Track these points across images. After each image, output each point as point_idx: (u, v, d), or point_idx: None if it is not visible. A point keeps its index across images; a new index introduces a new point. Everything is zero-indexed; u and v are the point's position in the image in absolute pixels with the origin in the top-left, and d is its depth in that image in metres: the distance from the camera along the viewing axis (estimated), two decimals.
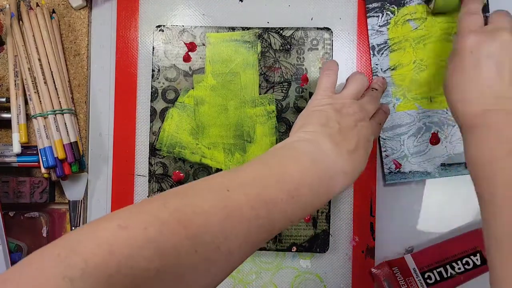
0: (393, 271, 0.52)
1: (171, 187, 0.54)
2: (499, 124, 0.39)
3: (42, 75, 0.52)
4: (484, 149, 0.39)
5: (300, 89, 0.54)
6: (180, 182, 0.54)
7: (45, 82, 0.52)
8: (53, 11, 0.56)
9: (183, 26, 0.54)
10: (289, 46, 0.54)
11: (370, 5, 0.54)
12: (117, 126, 0.56)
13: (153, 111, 0.54)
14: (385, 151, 0.54)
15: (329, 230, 0.53)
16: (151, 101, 0.54)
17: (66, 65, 0.56)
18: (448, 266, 0.51)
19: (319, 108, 0.44)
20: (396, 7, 0.54)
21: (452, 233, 0.54)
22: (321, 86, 0.46)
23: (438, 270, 0.51)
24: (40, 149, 0.51)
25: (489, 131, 0.40)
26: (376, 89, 0.49)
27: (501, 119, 0.40)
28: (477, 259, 0.50)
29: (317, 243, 0.53)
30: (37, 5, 0.55)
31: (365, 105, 0.46)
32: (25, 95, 0.53)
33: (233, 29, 0.54)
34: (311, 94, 0.54)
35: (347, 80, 0.48)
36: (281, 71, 0.54)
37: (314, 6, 0.56)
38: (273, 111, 0.54)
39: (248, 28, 0.54)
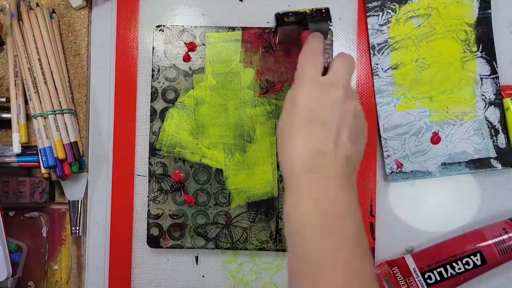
0: (393, 271, 0.52)
1: (171, 187, 0.54)
2: (312, 188, 0.38)
3: (42, 75, 0.52)
4: (295, 209, 0.38)
5: None
6: (180, 182, 0.54)
7: (45, 82, 0.52)
8: (53, 11, 0.56)
9: (183, 26, 0.54)
10: (289, 46, 0.54)
11: (370, 4, 0.54)
12: (117, 126, 0.56)
13: (153, 111, 0.54)
14: (386, 151, 0.54)
15: None
16: (151, 101, 0.54)
17: (66, 65, 0.56)
18: (448, 266, 0.51)
19: (315, 116, 0.39)
20: (397, 5, 0.54)
21: (452, 233, 0.54)
22: (307, 74, 0.41)
23: (438, 270, 0.51)
24: (40, 149, 0.51)
25: (301, 192, 0.38)
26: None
27: (314, 183, 0.38)
28: (477, 259, 0.50)
29: None
30: (37, 5, 0.55)
31: (349, 83, 0.42)
32: (25, 95, 0.53)
33: (233, 29, 0.54)
34: None
35: (334, 60, 0.43)
36: (281, 71, 0.54)
37: (314, 6, 0.55)
38: (273, 111, 0.54)
39: (248, 28, 0.54)
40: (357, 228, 0.38)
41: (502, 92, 0.54)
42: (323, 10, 0.46)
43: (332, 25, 0.49)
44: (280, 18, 0.46)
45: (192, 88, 0.54)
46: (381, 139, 0.54)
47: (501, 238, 0.51)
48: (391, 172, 0.54)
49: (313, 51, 0.43)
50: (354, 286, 0.36)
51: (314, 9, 0.46)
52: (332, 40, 0.54)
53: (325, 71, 0.42)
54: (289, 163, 0.39)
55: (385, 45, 0.54)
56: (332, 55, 0.54)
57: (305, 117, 0.39)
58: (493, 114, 0.54)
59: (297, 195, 0.38)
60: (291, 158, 0.39)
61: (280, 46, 0.51)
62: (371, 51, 0.55)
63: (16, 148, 0.53)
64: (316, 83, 0.40)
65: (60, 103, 0.52)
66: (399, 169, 0.54)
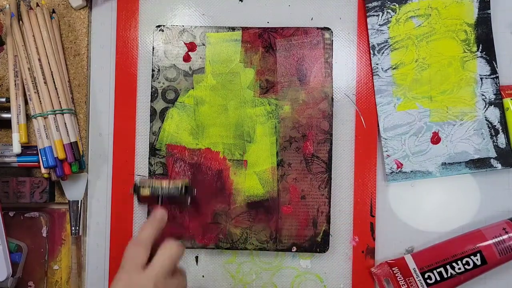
0: (393, 271, 0.52)
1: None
2: None
3: (42, 75, 0.52)
4: None
5: (300, 89, 0.54)
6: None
7: (45, 82, 0.52)
8: (53, 11, 0.56)
9: (183, 26, 0.54)
10: (289, 46, 0.54)
11: (370, 4, 0.54)
12: (117, 126, 0.56)
13: (153, 111, 0.54)
14: (386, 151, 0.54)
15: (329, 230, 0.53)
16: (151, 101, 0.54)
17: (66, 65, 0.56)
18: (448, 266, 0.51)
19: None
20: (397, 5, 0.54)
21: (452, 233, 0.54)
22: (127, 265, 0.43)
23: (438, 270, 0.51)
24: (40, 149, 0.51)
25: None
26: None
27: None
28: (477, 259, 0.50)
29: (317, 243, 0.53)
30: (37, 5, 0.55)
31: (174, 274, 0.44)
32: (25, 95, 0.53)
33: (233, 29, 0.54)
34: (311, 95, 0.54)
35: (159, 248, 0.44)
36: (281, 71, 0.54)
37: (314, 6, 0.56)
38: (273, 111, 0.54)
39: (248, 28, 0.54)
40: None
41: (502, 92, 0.54)
42: (179, 187, 0.50)
43: (190, 200, 0.52)
44: (138, 188, 0.51)
45: (192, 88, 0.54)
46: (381, 139, 0.54)
47: (501, 238, 0.51)
48: (391, 172, 0.54)
49: (139, 239, 0.45)
50: None
51: (170, 185, 0.50)
52: (332, 40, 0.54)
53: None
54: None
55: (385, 45, 0.54)
56: (332, 55, 0.54)
57: None
58: (493, 114, 0.54)
59: None
60: None
61: (139, 203, 0.55)
62: (371, 51, 0.55)
63: (16, 148, 0.53)
64: (132, 273, 0.42)
65: (60, 103, 0.52)
66: (399, 169, 0.54)
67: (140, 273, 0.42)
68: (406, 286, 0.52)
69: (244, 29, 0.54)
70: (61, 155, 0.51)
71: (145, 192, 0.50)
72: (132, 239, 0.45)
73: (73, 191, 0.54)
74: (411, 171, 0.54)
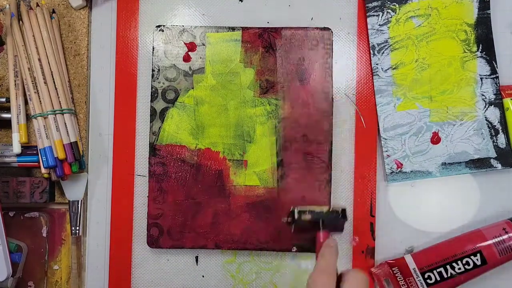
0: (393, 271, 0.52)
1: (171, 187, 0.54)
2: None
3: (42, 75, 0.52)
4: None
5: (300, 89, 0.54)
6: None
7: (45, 82, 0.52)
8: (53, 11, 0.56)
9: (183, 26, 0.54)
10: (289, 46, 0.54)
11: (370, 4, 0.54)
12: (117, 126, 0.56)
13: (153, 111, 0.54)
14: (386, 151, 0.54)
15: None
16: (151, 101, 0.54)
17: (66, 65, 0.56)
18: (448, 266, 0.51)
19: None
20: (397, 5, 0.54)
21: (452, 233, 0.54)
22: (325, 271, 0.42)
23: (438, 270, 0.51)
24: (40, 149, 0.51)
25: None
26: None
27: None
28: (477, 259, 0.50)
29: None
30: (37, 5, 0.55)
31: None
32: (25, 95, 0.53)
33: (233, 29, 0.54)
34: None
35: (344, 279, 0.42)
36: (281, 71, 0.54)
37: (314, 6, 0.56)
38: (273, 111, 0.54)
39: (248, 28, 0.54)
40: None
41: (502, 92, 0.54)
42: (339, 211, 0.48)
43: (347, 221, 0.50)
44: (297, 215, 0.48)
45: (192, 88, 0.54)
46: (381, 139, 0.54)
47: (501, 238, 0.51)
48: (391, 172, 0.54)
49: (325, 269, 0.43)
50: None
51: (331, 209, 0.48)
52: (332, 40, 0.54)
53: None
54: None
55: (385, 45, 0.54)
56: (332, 55, 0.54)
57: None
58: (493, 114, 0.54)
59: None
60: None
61: (294, 233, 0.52)
62: (371, 51, 0.55)
63: (16, 148, 0.53)
64: None
65: (60, 103, 0.52)
66: (399, 169, 0.54)
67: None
68: (406, 286, 0.52)
69: (244, 29, 0.54)
70: (61, 155, 0.51)
71: (307, 217, 0.48)
72: (316, 268, 0.43)
73: (73, 191, 0.54)
74: (411, 171, 0.54)
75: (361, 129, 0.55)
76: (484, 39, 0.54)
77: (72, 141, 0.52)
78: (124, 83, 0.56)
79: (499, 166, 0.54)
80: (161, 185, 0.54)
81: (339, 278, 0.42)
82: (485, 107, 0.54)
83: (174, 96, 0.54)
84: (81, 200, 0.55)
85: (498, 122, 0.54)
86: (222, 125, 0.54)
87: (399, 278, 0.52)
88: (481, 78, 0.54)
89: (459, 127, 0.54)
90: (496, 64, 0.54)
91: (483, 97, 0.54)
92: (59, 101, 0.52)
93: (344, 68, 0.55)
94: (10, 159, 0.53)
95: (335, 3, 0.56)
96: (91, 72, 0.56)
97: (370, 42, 0.55)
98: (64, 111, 0.52)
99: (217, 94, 0.54)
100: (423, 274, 0.51)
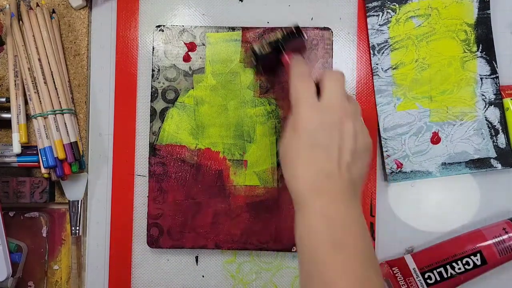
0: (393, 271, 0.52)
1: (171, 187, 0.54)
2: (320, 208, 0.39)
3: (42, 75, 0.52)
4: (305, 228, 0.40)
5: None
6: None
7: (45, 82, 0.52)
8: (53, 11, 0.56)
9: (183, 26, 0.54)
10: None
11: (370, 4, 0.54)
12: (117, 126, 0.56)
13: (153, 111, 0.54)
14: (386, 151, 0.54)
15: None
16: (151, 101, 0.54)
17: (66, 65, 0.56)
18: (448, 266, 0.51)
19: (317, 141, 0.40)
20: (397, 5, 0.54)
21: (452, 233, 0.54)
22: (303, 100, 0.42)
23: (438, 270, 0.51)
24: (40, 149, 0.51)
25: (310, 212, 0.39)
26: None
27: (322, 203, 0.39)
28: (477, 259, 0.50)
29: None
30: (37, 5, 0.55)
31: (345, 100, 0.42)
32: (25, 95, 0.53)
33: (233, 29, 0.54)
34: None
35: (322, 79, 0.43)
36: (281, 71, 0.54)
37: (314, 6, 0.56)
38: (273, 111, 0.54)
39: (248, 28, 0.54)
40: (366, 241, 0.40)
41: (502, 92, 0.54)
42: (294, 30, 0.47)
43: (307, 39, 0.50)
44: (258, 51, 0.48)
45: (192, 88, 0.54)
46: (381, 139, 0.54)
47: (501, 238, 0.51)
48: (391, 172, 0.54)
49: (302, 74, 0.44)
50: None
51: (285, 32, 0.47)
52: (332, 40, 0.54)
53: (316, 86, 0.43)
54: (295, 186, 0.41)
55: (385, 45, 0.54)
56: (332, 55, 0.54)
57: (307, 143, 0.41)
58: (493, 114, 0.54)
59: (307, 215, 0.40)
60: (297, 180, 0.41)
61: (265, 75, 0.52)
62: (371, 51, 0.55)
63: (16, 148, 0.53)
64: (313, 108, 0.41)
65: (60, 103, 0.52)
66: (399, 169, 0.54)
67: (318, 102, 0.41)
68: (406, 286, 0.52)
69: (244, 29, 0.54)
70: (61, 155, 0.51)
71: (266, 49, 0.47)
72: (293, 76, 0.43)
73: (73, 191, 0.54)
74: (411, 171, 0.54)
75: None
76: (484, 39, 0.54)
77: (72, 141, 0.52)
78: (124, 83, 0.56)
79: (499, 166, 0.54)
80: (161, 185, 0.54)
81: (317, 84, 0.43)
82: (485, 107, 0.54)
83: (174, 96, 0.54)
84: (81, 200, 0.55)
85: (498, 122, 0.54)
86: (222, 125, 0.54)
87: (399, 278, 0.52)
88: (481, 78, 0.54)
89: (459, 127, 0.54)
90: (496, 64, 0.54)
91: (483, 97, 0.54)
92: (59, 101, 0.52)
93: (344, 68, 0.55)
94: (10, 159, 0.53)
95: (335, 3, 0.56)
96: (91, 72, 0.56)
97: (370, 42, 0.55)
98: (64, 111, 0.52)
99: (217, 94, 0.54)
100: (423, 274, 0.51)
